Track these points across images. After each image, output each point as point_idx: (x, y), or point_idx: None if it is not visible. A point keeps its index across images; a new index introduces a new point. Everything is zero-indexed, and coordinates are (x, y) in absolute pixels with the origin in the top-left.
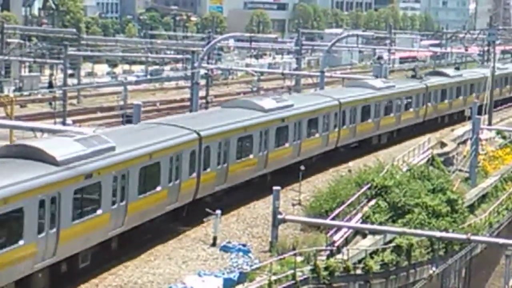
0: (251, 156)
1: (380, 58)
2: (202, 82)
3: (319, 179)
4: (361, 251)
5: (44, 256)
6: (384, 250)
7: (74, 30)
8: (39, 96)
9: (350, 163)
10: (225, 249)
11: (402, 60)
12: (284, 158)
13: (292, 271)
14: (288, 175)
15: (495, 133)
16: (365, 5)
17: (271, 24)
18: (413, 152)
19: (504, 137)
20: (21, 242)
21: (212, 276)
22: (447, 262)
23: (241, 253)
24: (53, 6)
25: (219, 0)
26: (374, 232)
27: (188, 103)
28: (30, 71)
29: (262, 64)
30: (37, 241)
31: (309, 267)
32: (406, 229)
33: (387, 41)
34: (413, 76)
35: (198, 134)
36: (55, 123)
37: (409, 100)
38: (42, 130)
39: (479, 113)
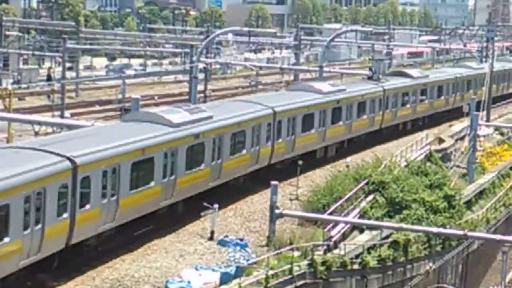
0: (312, 130)
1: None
2: (201, 76)
3: (317, 174)
4: (358, 246)
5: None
6: (381, 245)
7: (73, 23)
8: (38, 89)
9: (348, 159)
10: (222, 243)
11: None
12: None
13: (289, 266)
14: (286, 169)
15: (493, 130)
16: (364, 0)
17: (270, 18)
18: (411, 148)
19: (502, 134)
20: (152, 184)
21: (209, 270)
22: (444, 257)
23: (238, 247)
24: None
25: None
26: (371, 228)
27: (186, 97)
28: (24, 63)
29: (260, 58)
30: (161, 184)
31: (306, 262)
32: (403, 225)
33: (386, 37)
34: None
35: (273, 109)
36: (53, 116)
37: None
38: (40, 123)
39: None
